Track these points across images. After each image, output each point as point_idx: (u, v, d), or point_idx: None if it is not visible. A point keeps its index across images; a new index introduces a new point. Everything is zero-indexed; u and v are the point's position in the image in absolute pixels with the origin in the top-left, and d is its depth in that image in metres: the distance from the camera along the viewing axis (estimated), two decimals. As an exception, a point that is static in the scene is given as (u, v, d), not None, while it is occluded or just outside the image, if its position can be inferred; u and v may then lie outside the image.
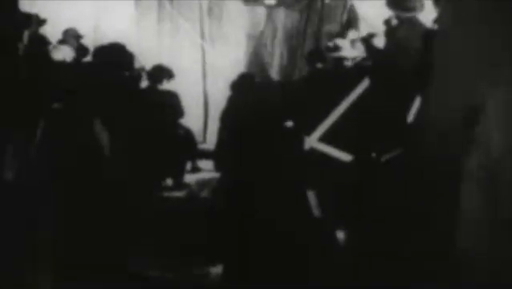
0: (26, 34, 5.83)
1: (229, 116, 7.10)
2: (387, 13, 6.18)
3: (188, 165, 7.79)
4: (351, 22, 8.50)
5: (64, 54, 6.99)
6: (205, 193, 6.97)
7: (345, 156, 5.17)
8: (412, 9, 5.43)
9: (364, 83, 5.18)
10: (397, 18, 5.63)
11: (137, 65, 7.31)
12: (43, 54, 6.62)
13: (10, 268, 3.96)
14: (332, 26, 8.60)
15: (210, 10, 9.36)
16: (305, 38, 8.91)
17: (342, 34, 8.17)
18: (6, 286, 3.95)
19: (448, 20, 4.04)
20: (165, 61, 7.90)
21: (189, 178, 7.53)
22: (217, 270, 4.66)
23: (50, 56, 6.79)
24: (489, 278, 3.48)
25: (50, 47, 7.16)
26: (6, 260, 3.97)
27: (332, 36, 7.99)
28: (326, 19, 8.75)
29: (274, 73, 9.13)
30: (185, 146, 7.60)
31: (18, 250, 4.02)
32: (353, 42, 6.72)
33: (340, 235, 4.80)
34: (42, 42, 7.14)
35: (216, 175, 6.97)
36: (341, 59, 6.35)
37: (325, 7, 8.76)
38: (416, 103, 4.98)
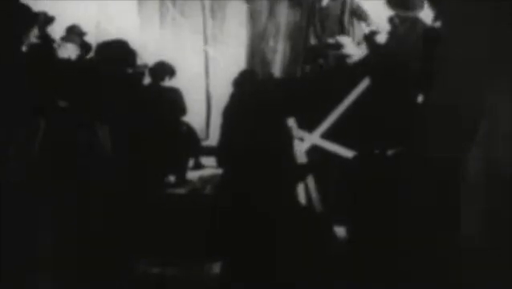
0: (32, 32, 5.84)
1: (231, 112, 7.11)
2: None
3: (191, 162, 7.81)
4: (360, 16, 8.44)
5: (70, 52, 7.03)
6: (208, 190, 6.97)
7: (347, 153, 5.20)
8: (412, 8, 5.45)
9: (365, 82, 5.20)
10: (398, 16, 5.65)
11: (140, 62, 7.33)
12: (48, 52, 6.63)
13: (11, 269, 3.99)
14: (333, 24, 8.58)
15: (213, 7, 9.36)
16: (307, 35, 8.89)
17: (343, 31, 8.17)
18: (7, 286, 3.97)
19: (450, 20, 4.05)
20: (168, 58, 7.90)
21: (192, 175, 7.54)
22: (217, 266, 4.68)
23: (55, 54, 6.81)
24: (490, 277, 3.49)
25: (56, 45, 7.17)
26: (6, 260, 3.99)
27: (334, 33, 7.98)
28: (328, 16, 8.73)
29: (277, 70, 9.12)
30: (188, 143, 7.61)
31: (19, 250, 4.05)
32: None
33: (340, 231, 4.82)
34: (47, 40, 7.15)
35: (219, 171, 6.97)
36: (343, 57, 6.37)
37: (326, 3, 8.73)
38: (418, 101, 5.00)
